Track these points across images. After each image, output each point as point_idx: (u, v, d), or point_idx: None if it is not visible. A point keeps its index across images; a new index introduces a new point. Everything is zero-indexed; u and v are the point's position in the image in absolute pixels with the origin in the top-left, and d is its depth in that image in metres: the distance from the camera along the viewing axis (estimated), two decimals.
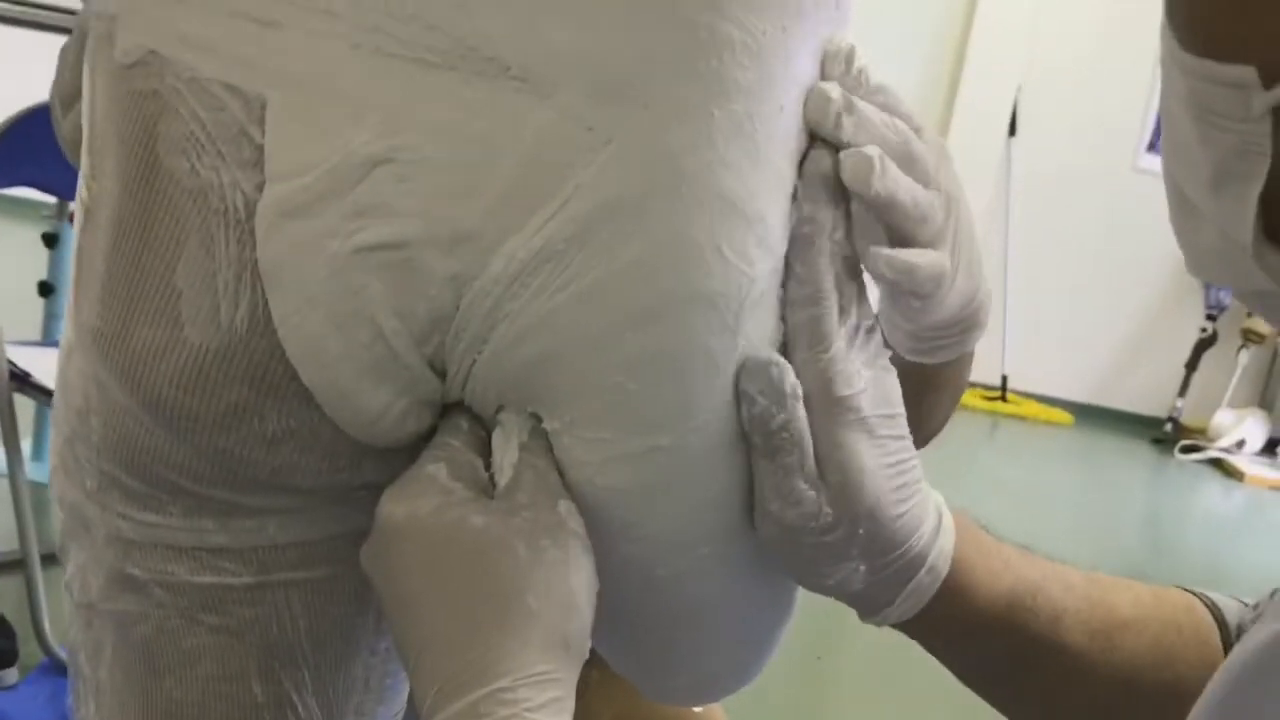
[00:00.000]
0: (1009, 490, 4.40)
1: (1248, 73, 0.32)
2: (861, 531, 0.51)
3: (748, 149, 0.48)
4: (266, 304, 0.47)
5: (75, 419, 0.53)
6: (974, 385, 5.83)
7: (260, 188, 0.46)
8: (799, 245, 0.50)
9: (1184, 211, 0.38)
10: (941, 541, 0.53)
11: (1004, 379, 5.72)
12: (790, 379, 0.49)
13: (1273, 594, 0.53)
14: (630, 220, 0.47)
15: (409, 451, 0.52)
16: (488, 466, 0.51)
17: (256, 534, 0.52)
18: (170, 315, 0.48)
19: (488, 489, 0.50)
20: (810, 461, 0.50)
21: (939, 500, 0.54)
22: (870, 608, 0.54)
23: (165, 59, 0.47)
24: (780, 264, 0.51)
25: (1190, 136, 0.35)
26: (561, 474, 0.51)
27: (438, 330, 0.49)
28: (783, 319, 0.51)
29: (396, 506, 0.49)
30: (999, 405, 5.66)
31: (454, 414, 0.52)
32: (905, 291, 0.53)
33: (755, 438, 0.50)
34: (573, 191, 0.46)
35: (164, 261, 0.48)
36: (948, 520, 0.54)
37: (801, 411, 0.50)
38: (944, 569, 0.53)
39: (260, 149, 0.46)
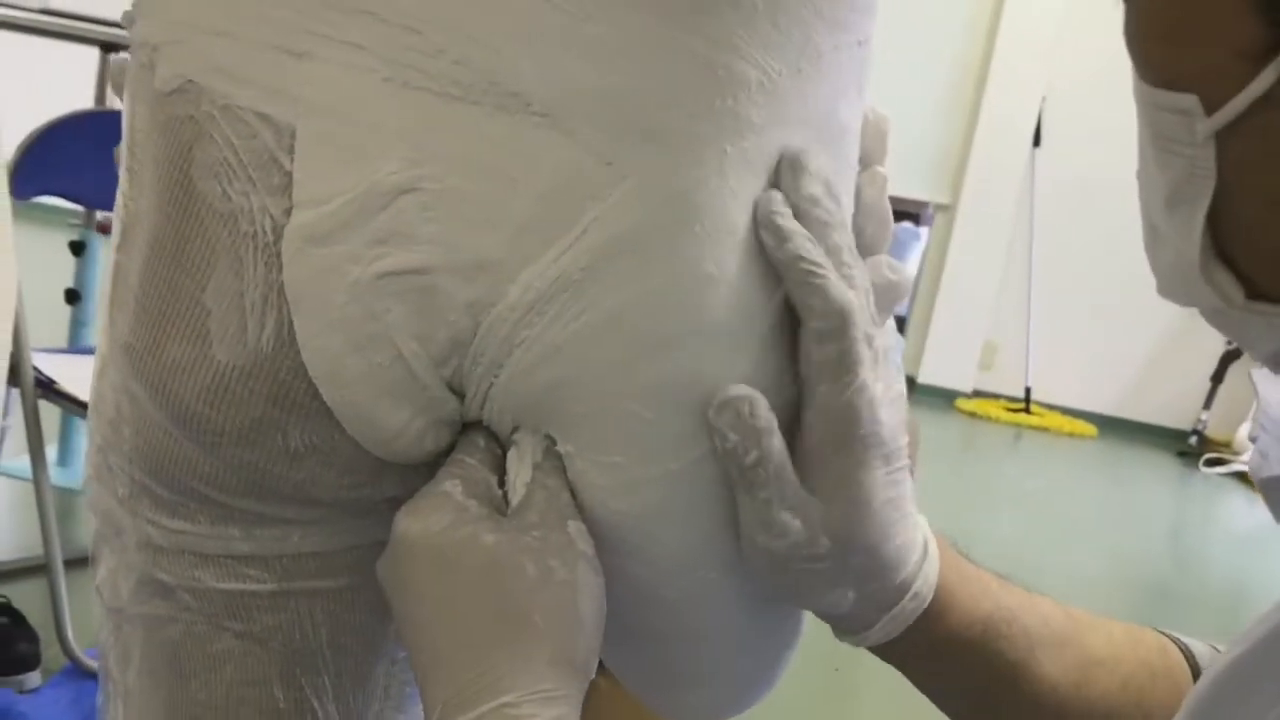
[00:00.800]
0: (1032, 503, 4.39)
1: (1191, 100, 0.33)
2: (856, 561, 0.51)
3: (762, 184, 0.50)
4: (291, 325, 0.49)
5: (108, 429, 0.55)
6: (997, 397, 5.81)
7: (288, 213, 0.48)
8: (801, 292, 0.50)
9: (1150, 234, 0.40)
10: (927, 568, 0.53)
11: (1027, 390, 5.70)
12: (763, 413, 0.49)
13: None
14: (644, 253, 0.48)
15: (428, 467, 0.53)
16: (502, 484, 0.52)
17: (280, 543, 0.54)
18: (199, 333, 0.50)
19: (501, 506, 0.51)
20: (791, 492, 0.50)
21: (925, 527, 0.55)
22: (851, 629, 0.54)
23: (202, 87, 0.49)
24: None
25: (1150, 161, 0.37)
26: (574, 495, 0.52)
27: (456, 353, 0.50)
28: (796, 351, 0.51)
29: (411, 522, 0.50)
30: (1022, 417, 5.64)
31: (471, 432, 0.53)
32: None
33: (731, 471, 0.50)
34: (590, 223, 0.47)
35: (195, 281, 0.50)
36: (933, 547, 0.54)
37: (778, 444, 0.49)
38: (928, 596, 0.53)
39: (289, 176, 0.48)
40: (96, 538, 0.58)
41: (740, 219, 0.49)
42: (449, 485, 0.50)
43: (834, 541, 0.50)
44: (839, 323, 0.49)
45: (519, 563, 0.48)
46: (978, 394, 5.84)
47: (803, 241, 0.49)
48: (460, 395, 0.52)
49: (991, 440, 5.37)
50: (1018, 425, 5.60)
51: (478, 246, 0.48)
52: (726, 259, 0.49)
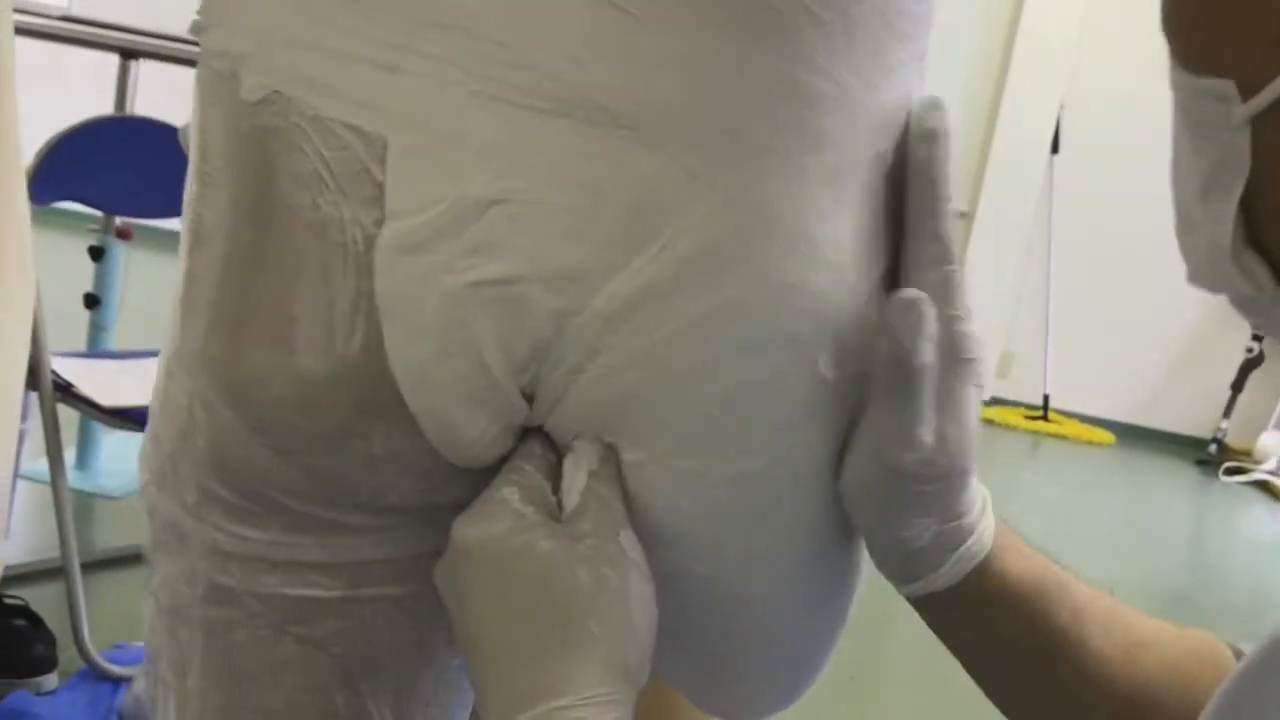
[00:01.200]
0: (1050, 510, 4.37)
1: (1227, 85, 0.34)
2: (952, 484, 0.53)
3: (837, 196, 0.51)
4: (379, 333, 0.49)
5: (177, 437, 0.55)
6: (1016, 404, 5.79)
7: (379, 223, 0.49)
8: (933, 205, 0.53)
9: (1183, 222, 0.40)
10: (987, 519, 0.56)
11: (1045, 398, 5.68)
12: (933, 324, 0.52)
13: None
14: (726, 263, 0.49)
15: (489, 472, 0.54)
16: (555, 489, 0.53)
17: (349, 550, 0.54)
18: (282, 341, 0.50)
19: (555, 513, 0.52)
20: (931, 405, 0.52)
21: (981, 486, 0.57)
22: (921, 569, 0.55)
23: (289, 99, 0.49)
24: (864, 307, 0.53)
25: (1184, 148, 0.38)
26: (642, 503, 0.53)
27: (535, 361, 0.51)
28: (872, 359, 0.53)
29: (471, 528, 0.51)
30: (1040, 425, 5.62)
31: (529, 439, 0.54)
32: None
33: (892, 375, 0.52)
34: (673, 234, 0.49)
35: (280, 290, 0.50)
36: (988, 498, 0.57)
37: (935, 358, 0.52)
38: (989, 543, 0.55)
39: (380, 187, 0.48)
40: (155, 543, 0.58)
41: (820, 230, 0.51)
42: (507, 492, 0.52)
43: (945, 460, 0.53)
44: (948, 249, 0.53)
45: (573, 570, 0.50)
46: (995, 402, 5.82)
47: (944, 166, 0.53)
48: (529, 400, 0.53)
49: (1009, 448, 5.35)
50: (1035, 433, 5.58)
51: (565, 257, 0.49)
52: (806, 269, 0.50)
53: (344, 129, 0.49)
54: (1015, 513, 4.37)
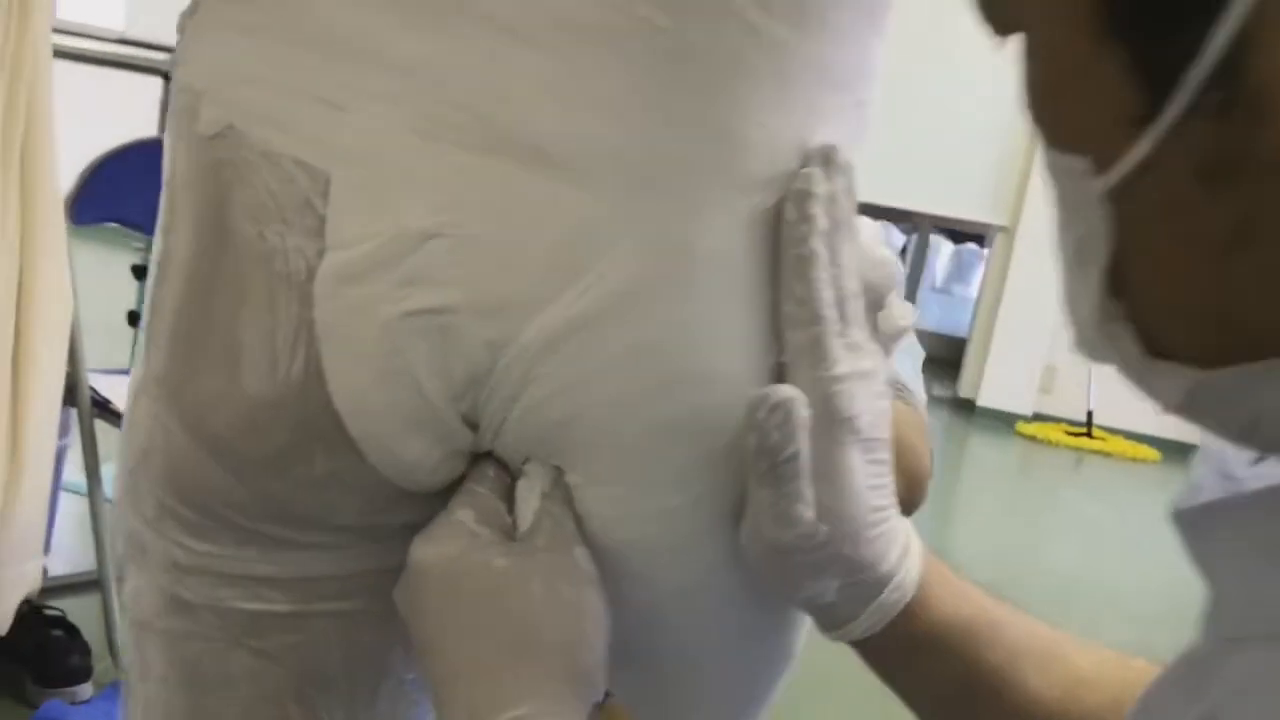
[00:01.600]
0: (1093, 528, 4.32)
1: (1083, 162, 0.34)
2: (842, 548, 0.53)
3: (763, 236, 0.52)
4: (319, 360, 0.51)
5: (139, 454, 0.57)
6: (1058, 420, 5.73)
7: (321, 254, 0.51)
8: (796, 267, 0.52)
9: (1065, 290, 0.40)
10: (909, 564, 0.55)
11: (1089, 414, 5.61)
12: (804, 413, 0.51)
13: None
14: (649, 300, 0.51)
15: (442, 495, 0.56)
16: (510, 511, 0.55)
17: (299, 566, 0.56)
18: (231, 366, 0.52)
19: (511, 533, 0.54)
20: (806, 485, 0.52)
21: (909, 527, 0.57)
22: (835, 622, 0.56)
23: (242, 133, 0.52)
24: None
25: (1058, 219, 0.38)
26: (581, 524, 0.54)
27: (472, 389, 0.53)
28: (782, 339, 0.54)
29: (427, 549, 0.53)
30: (1084, 441, 5.55)
31: (482, 462, 0.56)
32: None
33: (762, 466, 0.52)
34: (601, 271, 0.50)
35: (228, 317, 0.52)
36: (916, 545, 0.56)
37: (807, 440, 0.52)
38: (910, 591, 0.55)
39: (322, 219, 0.51)
40: (123, 556, 0.61)
41: (744, 271, 0.52)
42: (462, 514, 0.54)
43: (826, 526, 0.52)
44: (813, 310, 0.52)
45: (527, 585, 0.51)
46: (1038, 418, 5.76)
47: (812, 230, 0.52)
48: (474, 427, 0.55)
49: (1052, 464, 5.30)
50: (1079, 449, 5.51)
51: (497, 289, 0.50)
52: (729, 308, 0.52)
53: (291, 164, 0.51)
54: (1057, 531, 4.33)
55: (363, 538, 0.57)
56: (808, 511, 0.52)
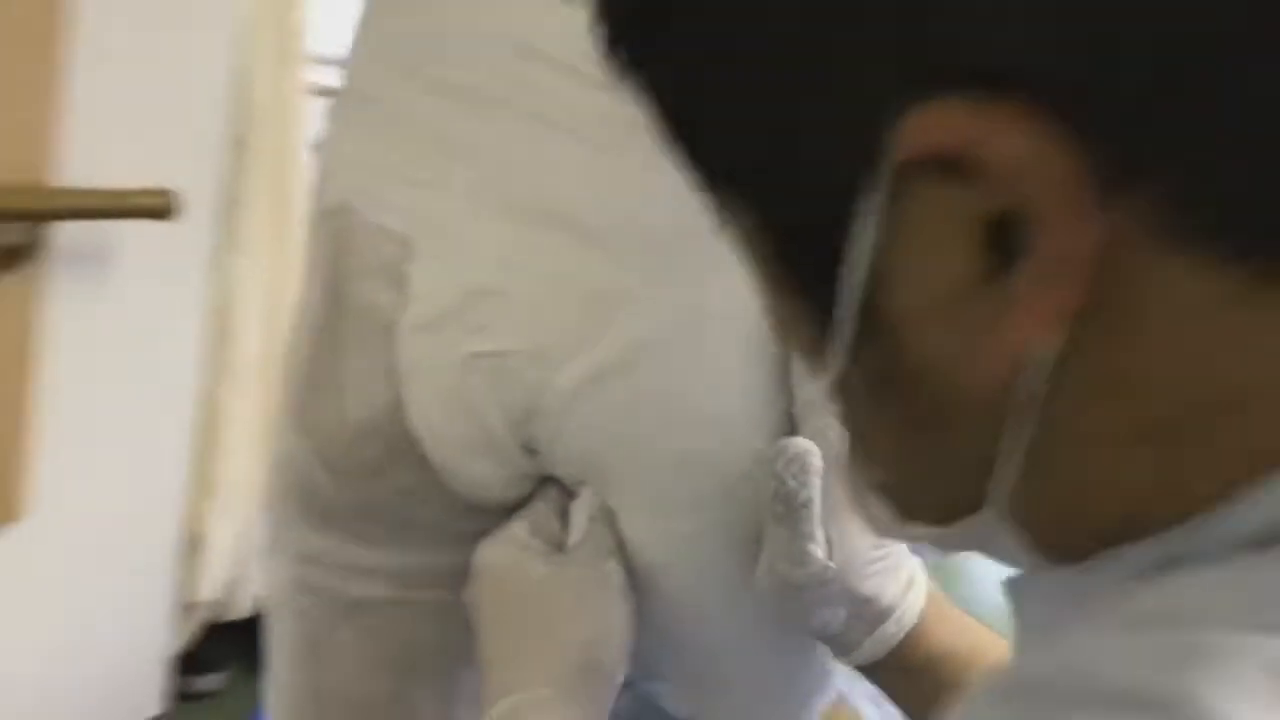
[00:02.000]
0: None
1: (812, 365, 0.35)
2: (847, 583, 0.59)
3: None
4: (399, 394, 0.62)
5: (277, 466, 0.69)
6: None
7: (404, 307, 0.61)
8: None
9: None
10: (911, 598, 0.61)
11: None
12: (816, 462, 0.57)
13: None
14: (663, 352, 0.59)
15: (512, 509, 0.65)
16: (563, 528, 0.64)
17: (396, 560, 0.66)
18: (338, 396, 0.63)
19: (560, 545, 0.63)
20: (819, 526, 0.58)
21: (915, 563, 0.62)
22: (840, 649, 0.63)
23: (351, 208, 0.63)
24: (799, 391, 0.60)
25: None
26: (623, 547, 0.63)
27: (528, 420, 0.61)
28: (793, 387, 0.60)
29: (486, 553, 0.63)
30: None
31: (547, 484, 0.65)
32: None
33: (779, 509, 0.58)
34: (622, 324, 0.58)
35: (338, 358, 0.63)
36: (920, 580, 0.62)
37: (819, 488, 0.57)
38: (910, 623, 0.61)
39: (406, 278, 0.61)
40: (266, 549, 0.73)
41: (751, 326, 0.58)
42: (519, 526, 0.63)
43: (837, 565, 0.58)
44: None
45: (559, 590, 0.61)
46: None
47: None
48: (533, 453, 0.64)
49: None
50: None
51: (538, 338, 0.59)
52: (737, 358, 0.59)
53: (383, 232, 0.62)
54: None
55: (446, 539, 0.65)
56: (819, 551, 0.57)
